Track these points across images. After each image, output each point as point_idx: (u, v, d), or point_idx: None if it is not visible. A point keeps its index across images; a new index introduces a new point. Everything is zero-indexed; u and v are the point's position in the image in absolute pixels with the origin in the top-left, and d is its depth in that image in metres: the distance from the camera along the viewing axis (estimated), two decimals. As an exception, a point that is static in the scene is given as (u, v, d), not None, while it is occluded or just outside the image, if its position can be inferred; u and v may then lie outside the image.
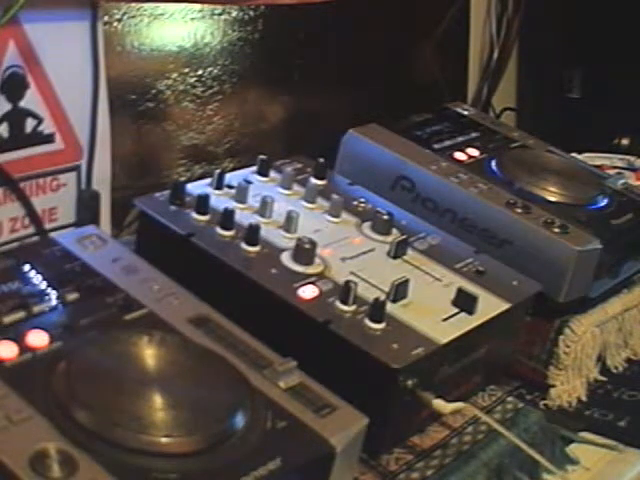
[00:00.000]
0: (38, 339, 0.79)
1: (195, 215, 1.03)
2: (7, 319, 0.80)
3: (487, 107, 1.87)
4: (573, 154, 1.46)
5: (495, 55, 1.88)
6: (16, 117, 1.08)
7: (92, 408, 0.72)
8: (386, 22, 1.62)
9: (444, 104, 1.46)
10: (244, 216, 1.05)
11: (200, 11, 1.34)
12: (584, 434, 1.09)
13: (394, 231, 1.10)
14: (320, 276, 0.99)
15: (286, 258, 1.00)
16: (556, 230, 1.13)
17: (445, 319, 0.97)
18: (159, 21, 1.29)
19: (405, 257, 1.07)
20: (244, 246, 1.00)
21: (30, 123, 1.09)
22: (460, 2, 1.77)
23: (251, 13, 1.41)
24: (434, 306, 0.99)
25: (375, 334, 0.92)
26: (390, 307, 0.96)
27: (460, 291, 1.00)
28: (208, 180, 1.11)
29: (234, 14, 1.39)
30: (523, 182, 1.22)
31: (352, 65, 1.59)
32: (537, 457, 0.95)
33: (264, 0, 1.34)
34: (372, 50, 1.62)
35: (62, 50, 1.10)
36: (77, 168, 1.15)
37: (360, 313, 0.94)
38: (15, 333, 0.79)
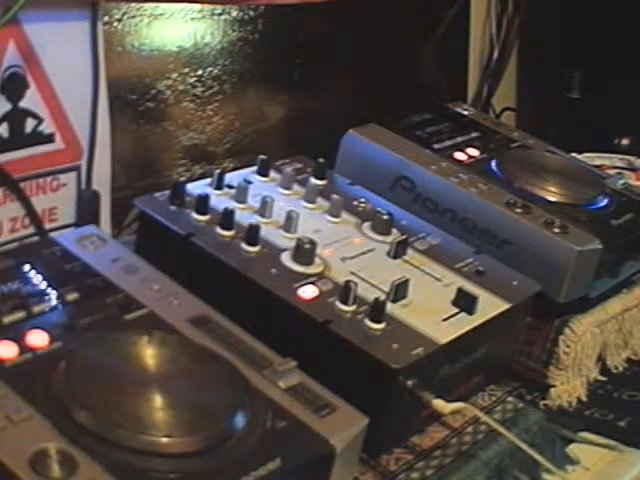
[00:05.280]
0: (38, 339, 0.79)
1: (195, 215, 1.03)
2: (7, 319, 0.80)
3: (487, 107, 1.87)
4: (573, 154, 1.46)
5: (495, 55, 1.88)
6: (16, 117, 1.08)
7: (92, 408, 0.72)
8: (386, 22, 1.62)
9: (444, 104, 1.46)
10: (244, 216, 1.05)
11: (200, 11, 1.34)
12: (584, 434, 1.09)
13: (394, 231, 1.10)
14: (320, 276, 0.99)
15: (286, 258, 1.00)
16: (556, 230, 1.13)
17: (445, 319, 0.97)
18: (159, 21, 1.29)
19: (405, 257, 1.07)
20: (244, 246, 1.00)
21: (30, 123, 1.09)
22: (460, 2, 1.77)
23: (251, 13, 1.41)
24: (434, 306, 0.99)
25: (375, 334, 0.92)
26: (390, 307, 0.96)
27: (460, 291, 1.00)
28: (208, 180, 1.11)
29: (234, 14, 1.39)
30: (523, 182, 1.22)
31: (352, 65, 1.59)
32: (537, 457, 0.95)
33: (264, 0, 1.34)
34: (372, 50, 1.62)
35: (62, 50, 1.09)
36: (77, 168, 1.15)
37: (360, 313, 0.94)
38: (15, 333, 0.79)
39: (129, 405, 0.73)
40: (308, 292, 0.96)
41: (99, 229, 1.01)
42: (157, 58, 1.30)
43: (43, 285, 0.86)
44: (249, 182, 1.12)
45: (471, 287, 1.02)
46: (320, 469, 0.78)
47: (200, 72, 1.36)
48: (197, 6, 1.32)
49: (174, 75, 1.33)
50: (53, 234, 1.02)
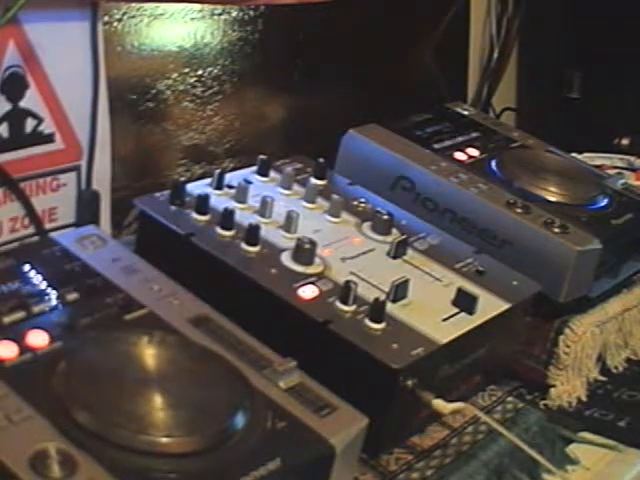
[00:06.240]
0: (38, 339, 0.79)
1: (195, 215, 1.03)
2: (7, 319, 0.80)
3: (487, 107, 1.87)
4: (573, 154, 1.46)
5: (495, 55, 1.88)
6: (16, 117, 1.08)
7: (92, 408, 0.72)
8: (386, 22, 1.62)
9: (444, 104, 1.46)
10: (244, 216, 1.05)
11: (200, 11, 1.34)
12: (584, 434, 1.09)
13: (394, 231, 1.10)
14: (320, 276, 0.99)
15: (286, 258, 1.00)
16: (556, 230, 1.13)
17: (445, 319, 0.97)
18: (159, 21, 1.29)
19: (405, 257, 1.07)
20: (244, 246, 1.00)
21: (30, 123, 1.09)
22: (460, 2, 1.77)
23: (251, 13, 1.41)
24: (434, 306, 0.99)
25: (375, 334, 0.92)
26: (390, 307, 0.96)
27: (460, 291, 1.00)
28: (208, 180, 1.11)
29: (234, 14, 1.39)
30: (523, 182, 1.22)
31: (352, 65, 1.59)
32: (537, 457, 0.95)
33: (264, 0, 1.34)
34: (372, 50, 1.62)
35: (62, 50, 1.09)
36: (77, 168, 1.15)
37: (360, 313, 0.94)
38: (15, 333, 0.79)
39: (129, 405, 0.73)
40: (308, 292, 0.96)
41: (99, 229, 1.01)
42: (157, 58, 1.30)
43: (43, 285, 0.86)
44: (249, 182, 1.12)
45: (471, 287, 1.02)
46: (320, 469, 0.78)
47: (200, 72, 1.36)
48: (197, 6, 1.32)
49: (174, 75, 1.33)
50: (53, 234, 1.02)
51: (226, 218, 1.02)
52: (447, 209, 1.19)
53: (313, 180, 1.17)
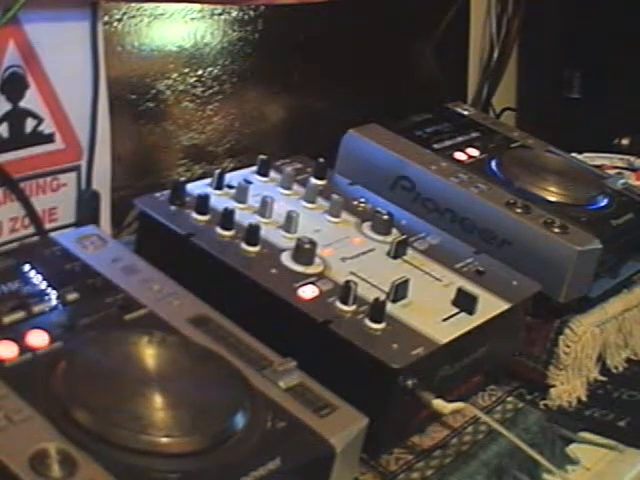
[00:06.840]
0: (38, 339, 0.79)
1: (195, 215, 1.03)
2: (7, 319, 0.80)
3: (487, 107, 1.87)
4: (573, 154, 1.46)
5: (495, 55, 1.88)
6: (16, 117, 1.08)
7: (92, 408, 0.72)
8: (386, 22, 1.62)
9: (444, 104, 1.46)
10: (244, 216, 1.05)
11: (200, 11, 1.34)
12: (584, 434, 1.09)
13: (394, 231, 1.10)
14: (320, 276, 0.99)
15: (286, 258, 1.00)
16: (556, 230, 1.13)
17: (445, 319, 0.97)
18: (159, 21, 1.29)
19: (405, 257, 1.07)
20: (244, 246, 1.00)
21: (30, 123, 1.09)
22: (460, 2, 1.77)
23: (251, 13, 1.41)
24: (434, 306, 0.99)
25: (375, 334, 0.92)
26: (390, 307, 0.96)
27: (460, 291, 1.00)
28: (208, 180, 1.11)
29: (234, 14, 1.39)
30: (523, 182, 1.22)
31: (352, 65, 1.59)
32: (537, 457, 0.95)
33: (264, 0, 1.34)
34: (372, 50, 1.62)
35: (62, 50, 1.09)
36: (77, 168, 1.15)
37: (360, 313, 0.94)
38: (15, 333, 0.79)
39: (129, 405, 0.73)
40: (308, 292, 0.96)
41: (99, 229, 1.01)
42: (157, 58, 1.30)
43: (43, 285, 0.86)
44: (249, 182, 1.12)
45: (471, 287, 1.02)
46: (320, 469, 0.78)
47: (200, 72, 1.36)
48: (197, 6, 1.32)
49: (174, 75, 1.33)
50: (53, 234, 1.02)
51: (226, 218, 1.02)
52: (447, 209, 1.19)
53: (313, 180, 1.17)
